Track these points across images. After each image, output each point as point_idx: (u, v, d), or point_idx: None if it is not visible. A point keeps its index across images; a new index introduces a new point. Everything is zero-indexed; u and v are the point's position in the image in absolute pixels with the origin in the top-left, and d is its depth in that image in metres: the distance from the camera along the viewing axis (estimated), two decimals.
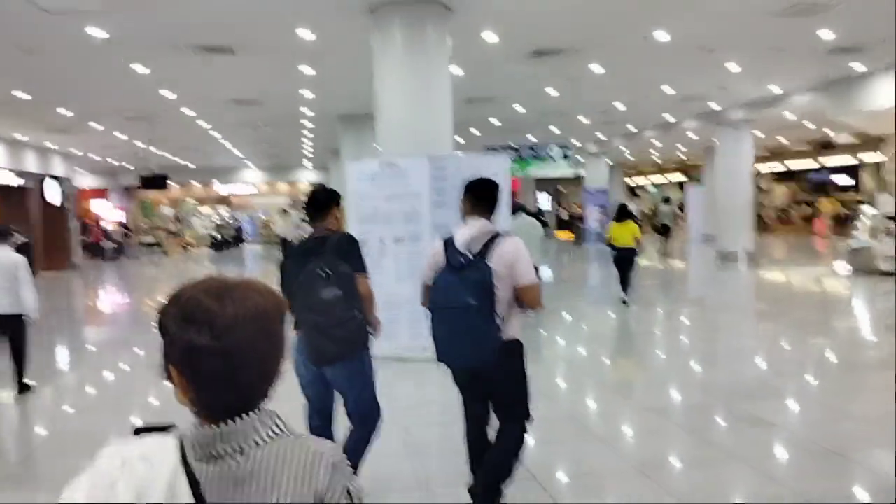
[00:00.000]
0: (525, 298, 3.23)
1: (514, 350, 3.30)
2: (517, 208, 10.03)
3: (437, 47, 7.90)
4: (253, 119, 16.61)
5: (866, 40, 10.29)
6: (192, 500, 1.00)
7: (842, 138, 24.33)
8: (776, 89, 14.49)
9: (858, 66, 12.07)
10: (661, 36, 9.65)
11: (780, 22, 9.10)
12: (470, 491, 3.40)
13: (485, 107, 15.73)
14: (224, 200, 36.26)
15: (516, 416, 3.37)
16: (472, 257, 3.17)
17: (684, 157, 31.88)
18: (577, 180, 30.89)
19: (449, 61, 8.03)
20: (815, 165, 28.26)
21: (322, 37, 9.17)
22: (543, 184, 32.20)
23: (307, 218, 3.69)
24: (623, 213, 10.85)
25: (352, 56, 9.76)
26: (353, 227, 7.66)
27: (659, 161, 34.94)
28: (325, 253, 3.35)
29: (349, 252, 3.43)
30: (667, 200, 20.53)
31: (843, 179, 27.36)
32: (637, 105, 16.65)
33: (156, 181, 20.22)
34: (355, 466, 3.40)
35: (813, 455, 4.50)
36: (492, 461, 3.37)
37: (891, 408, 5.10)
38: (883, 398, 5.50)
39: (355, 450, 3.48)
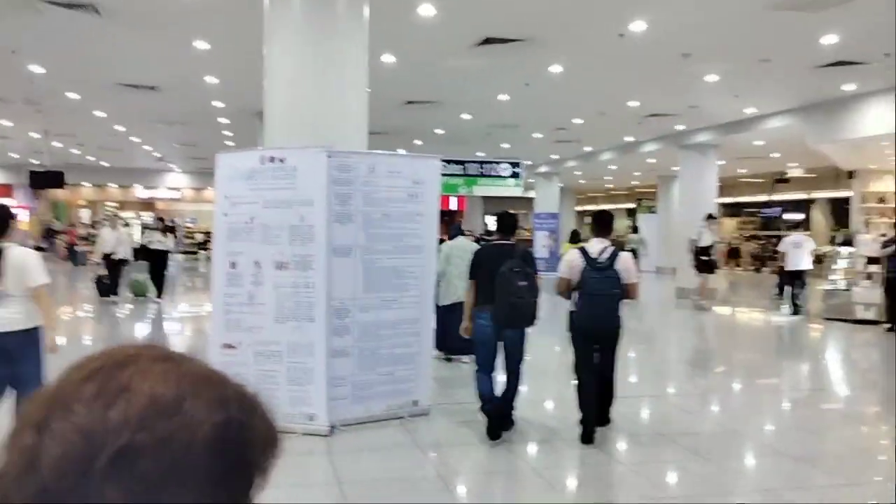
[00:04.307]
0: (632, 291, 5.15)
1: (622, 322, 5.19)
2: (456, 232, 8.58)
3: (351, 18, 6.01)
4: (157, 110, 14.30)
5: (867, 51, 8.79)
6: None
7: (796, 172, 23.36)
8: (751, 110, 13.01)
9: (850, 87, 10.61)
10: (638, 27, 7.92)
11: (776, 18, 7.48)
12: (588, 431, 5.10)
13: (427, 112, 13.86)
14: (147, 206, 33.31)
15: (616, 355, 5.37)
16: (606, 262, 5.01)
17: (637, 184, 30.67)
18: (526, 202, 29.29)
19: (366, 36, 6.12)
20: (765, 199, 27.36)
21: None
22: (492, 204, 30.45)
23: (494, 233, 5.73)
24: (576, 237, 13.84)
25: (250, 26, 7.72)
26: (217, 245, 5.58)
27: (610, 186, 33.70)
28: (515, 256, 5.02)
29: (531, 259, 5.23)
30: (636, 230, 18.89)
31: (793, 215, 26.57)
32: (597, 121, 15.02)
33: (48, 178, 17.48)
34: (512, 407, 5.34)
35: None
36: (607, 390, 5.40)
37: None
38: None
39: (512, 392, 5.26)
